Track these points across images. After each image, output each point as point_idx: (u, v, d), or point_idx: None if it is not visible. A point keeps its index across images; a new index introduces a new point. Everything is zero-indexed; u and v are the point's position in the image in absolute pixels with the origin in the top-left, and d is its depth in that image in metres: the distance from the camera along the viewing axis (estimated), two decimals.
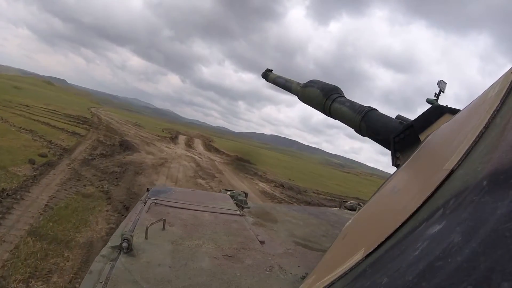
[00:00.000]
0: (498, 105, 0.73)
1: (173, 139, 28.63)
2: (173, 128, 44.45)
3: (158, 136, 26.68)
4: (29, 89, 43.76)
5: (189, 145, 27.34)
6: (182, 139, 31.90)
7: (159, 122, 62.38)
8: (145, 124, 39.85)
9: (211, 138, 45.52)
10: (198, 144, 30.96)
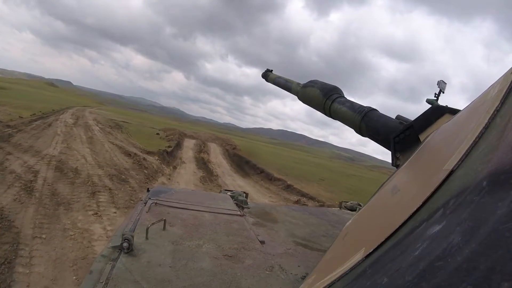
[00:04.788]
0: (498, 105, 0.73)
1: (171, 155, 14.83)
2: (176, 128, 30.11)
3: (134, 156, 12.16)
4: (19, 89, 39.41)
5: (205, 166, 14.19)
6: (189, 147, 19.57)
7: (162, 120, 54.86)
8: (138, 123, 27.99)
9: (229, 139, 31.45)
10: (217, 156, 18.33)
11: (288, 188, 12.94)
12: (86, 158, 10.34)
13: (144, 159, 12.25)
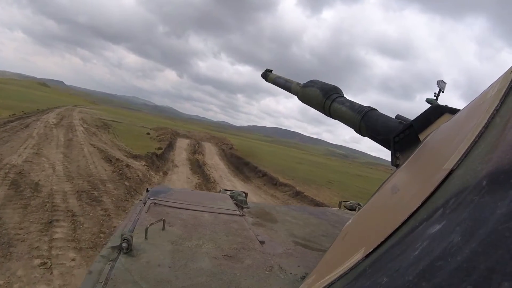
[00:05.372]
0: (497, 105, 0.73)
1: (161, 157, 13.45)
2: (168, 127, 28.70)
3: (115, 162, 10.23)
4: (8, 89, 37.83)
5: (200, 170, 12.91)
6: (182, 147, 18.43)
7: (155, 119, 53.05)
8: (128, 122, 26.41)
9: (225, 138, 29.79)
10: (213, 157, 17.02)
11: (298, 195, 11.35)
12: (55, 167, 8.30)
13: (127, 165, 10.04)
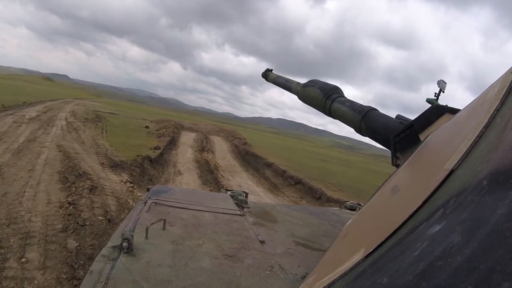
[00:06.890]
0: (498, 105, 0.73)
1: (158, 162, 9.80)
2: (171, 120, 24.58)
3: (77, 179, 5.79)
4: (9, 84, 35.01)
5: (212, 177, 9.71)
6: (188, 144, 15.46)
7: (159, 111, 49.84)
8: (128, 114, 23.45)
9: (235, 131, 25.62)
10: (226, 155, 14.19)
11: None
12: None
13: (91, 188, 5.77)
